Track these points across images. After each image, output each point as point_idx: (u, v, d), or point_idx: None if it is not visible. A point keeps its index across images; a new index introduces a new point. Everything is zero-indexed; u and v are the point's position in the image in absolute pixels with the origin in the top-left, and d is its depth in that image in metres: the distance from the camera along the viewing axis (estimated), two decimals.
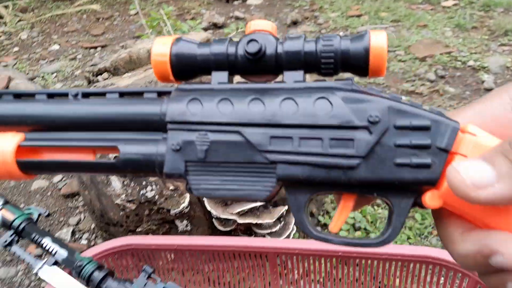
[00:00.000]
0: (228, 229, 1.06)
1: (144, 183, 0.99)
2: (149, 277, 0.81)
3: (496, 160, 0.25)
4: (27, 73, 3.04)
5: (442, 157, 0.29)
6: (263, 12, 4.01)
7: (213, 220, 1.07)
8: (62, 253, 0.86)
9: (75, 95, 0.34)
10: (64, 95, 0.35)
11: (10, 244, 0.88)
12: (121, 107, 0.34)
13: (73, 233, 1.46)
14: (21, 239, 0.90)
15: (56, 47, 3.60)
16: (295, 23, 3.50)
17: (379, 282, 0.95)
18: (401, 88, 2.24)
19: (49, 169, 0.35)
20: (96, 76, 1.26)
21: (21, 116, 0.34)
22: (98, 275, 0.81)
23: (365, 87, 0.31)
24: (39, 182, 1.75)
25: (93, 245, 1.41)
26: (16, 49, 3.61)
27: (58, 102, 0.34)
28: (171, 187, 1.01)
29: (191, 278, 1.04)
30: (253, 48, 0.31)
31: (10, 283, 1.33)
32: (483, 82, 2.18)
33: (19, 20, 4.28)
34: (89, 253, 0.91)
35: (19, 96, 0.35)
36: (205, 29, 3.36)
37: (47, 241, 0.87)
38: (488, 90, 2.10)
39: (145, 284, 0.79)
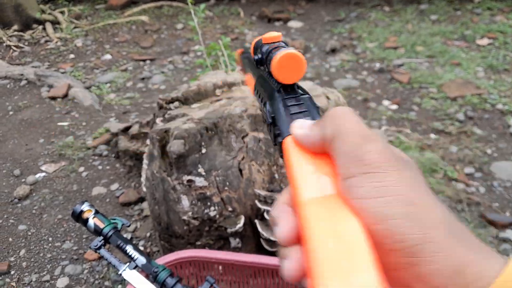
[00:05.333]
0: (274, 249, 1.24)
1: (208, 203, 1.18)
2: (211, 286, 0.99)
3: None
4: (84, 82, 3.31)
5: None
6: (303, 36, 4.20)
7: (261, 240, 1.25)
8: (142, 259, 1.05)
9: None
10: None
11: (99, 248, 1.08)
12: None
13: (130, 239, 1.65)
14: (108, 244, 1.10)
15: (108, 56, 3.88)
16: (333, 50, 3.68)
17: None
18: (431, 126, 2.38)
19: None
20: (168, 104, 1.45)
21: None
22: (170, 281, 1.00)
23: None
24: (99, 189, 1.96)
25: (149, 252, 1.60)
26: (72, 56, 3.90)
27: None
28: (230, 209, 1.19)
29: None
30: None
31: (77, 279, 1.52)
32: (509, 126, 2.31)
33: (75, 27, 4.60)
34: (160, 261, 1.10)
35: None
36: None
37: (129, 248, 1.06)
38: None
39: None
